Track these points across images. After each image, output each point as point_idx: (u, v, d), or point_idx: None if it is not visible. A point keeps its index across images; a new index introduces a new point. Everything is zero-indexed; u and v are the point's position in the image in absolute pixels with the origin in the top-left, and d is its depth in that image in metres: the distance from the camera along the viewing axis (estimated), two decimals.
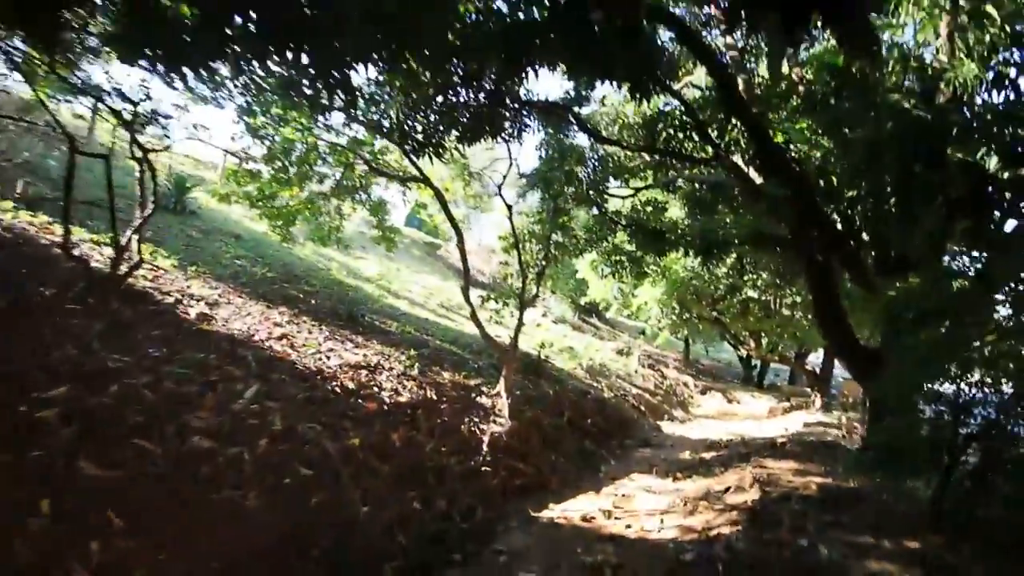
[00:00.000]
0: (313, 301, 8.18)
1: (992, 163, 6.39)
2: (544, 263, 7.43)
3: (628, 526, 4.88)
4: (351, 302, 8.70)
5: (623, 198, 9.57)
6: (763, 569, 3.54)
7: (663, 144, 6.65)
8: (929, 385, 4.46)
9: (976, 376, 4.36)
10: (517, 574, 3.96)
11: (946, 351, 5.87)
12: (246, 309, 6.45)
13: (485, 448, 5.81)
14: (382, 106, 7.27)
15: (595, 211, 9.25)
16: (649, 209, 9.47)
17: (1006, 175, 6.17)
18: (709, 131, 6.10)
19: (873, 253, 6.12)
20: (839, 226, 5.78)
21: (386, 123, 7.36)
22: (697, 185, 8.98)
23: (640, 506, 5.55)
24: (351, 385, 5.48)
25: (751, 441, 8.78)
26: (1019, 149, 6.08)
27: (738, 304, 13.08)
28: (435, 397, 6.24)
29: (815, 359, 17.77)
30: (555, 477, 6.35)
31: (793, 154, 5.78)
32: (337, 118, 7.71)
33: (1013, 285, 5.97)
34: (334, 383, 5.35)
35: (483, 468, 5.55)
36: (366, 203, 9.42)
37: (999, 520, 3.83)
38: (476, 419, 6.38)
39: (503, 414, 6.69)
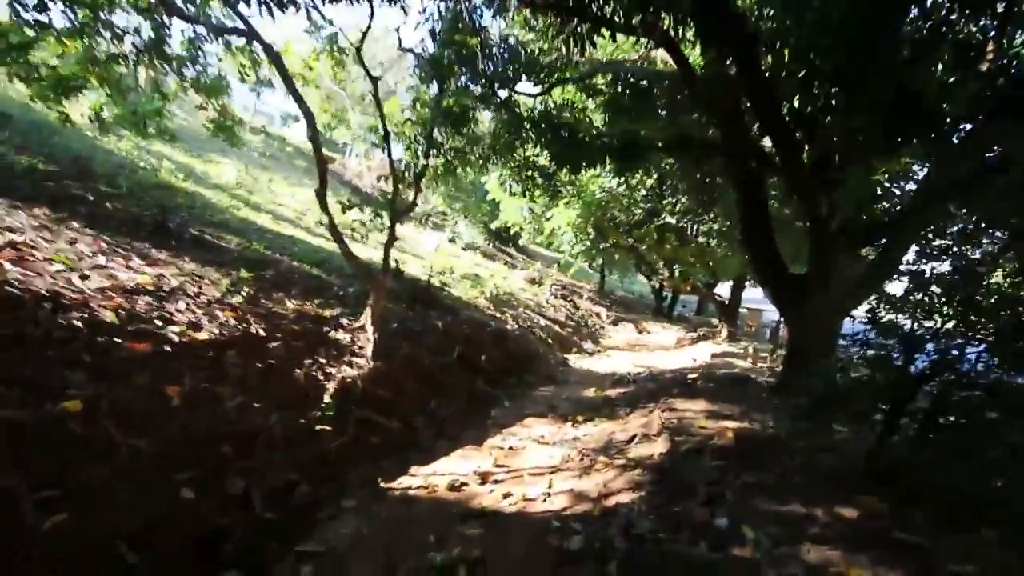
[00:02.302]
0: (109, 205, 5.98)
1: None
2: (425, 162, 5.74)
3: (507, 495, 3.76)
4: (173, 210, 6.56)
5: (535, 96, 7.94)
6: (670, 570, 2.52)
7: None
8: (875, 311, 3.59)
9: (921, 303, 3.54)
10: None
11: (884, 269, 5.15)
12: None
13: (328, 399, 4.37)
14: None
15: (504, 115, 7.59)
16: (566, 114, 7.98)
17: (952, 79, 5.31)
18: None
19: (812, 154, 5.13)
20: (784, 114, 4.65)
21: None
22: (619, 88, 7.53)
23: (527, 463, 4.48)
24: (110, 317, 3.70)
25: (660, 375, 8.13)
26: (971, 53, 5.19)
27: (655, 231, 12.28)
28: (262, 333, 4.61)
29: (722, 290, 17.97)
30: (429, 429, 5.11)
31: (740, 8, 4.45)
32: None
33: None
34: (76, 314, 3.54)
35: (320, 427, 4.13)
36: (198, 80, 7.04)
37: (944, 477, 3.10)
38: (324, 361, 4.88)
39: (365, 353, 5.24)
